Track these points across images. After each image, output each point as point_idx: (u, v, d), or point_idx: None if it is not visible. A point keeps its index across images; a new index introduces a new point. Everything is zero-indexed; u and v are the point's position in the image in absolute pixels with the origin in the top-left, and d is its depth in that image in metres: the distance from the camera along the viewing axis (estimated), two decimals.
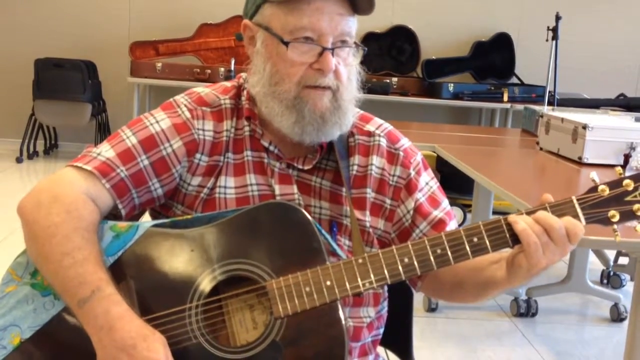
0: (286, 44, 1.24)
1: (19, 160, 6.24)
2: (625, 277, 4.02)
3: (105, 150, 1.27)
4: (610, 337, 3.46)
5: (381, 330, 1.41)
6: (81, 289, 1.14)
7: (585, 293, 3.73)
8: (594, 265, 4.07)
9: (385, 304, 1.41)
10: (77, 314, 1.16)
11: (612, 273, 4.06)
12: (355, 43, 1.29)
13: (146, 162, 1.27)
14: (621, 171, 1.19)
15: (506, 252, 1.20)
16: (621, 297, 3.61)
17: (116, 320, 1.13)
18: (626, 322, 3.47)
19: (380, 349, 1.49)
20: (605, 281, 4.07)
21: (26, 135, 6.31)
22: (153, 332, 1.14)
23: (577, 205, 1.17)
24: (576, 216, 1.16)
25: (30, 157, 6.38)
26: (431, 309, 3.47)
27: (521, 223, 1.14)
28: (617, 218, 1.17)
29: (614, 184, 1.18)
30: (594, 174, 1.20)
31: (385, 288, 1.40)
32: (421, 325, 3.29)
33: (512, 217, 1.16)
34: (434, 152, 3.47)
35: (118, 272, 1.19)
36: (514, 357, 3.12)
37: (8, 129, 6.64)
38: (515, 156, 3.88)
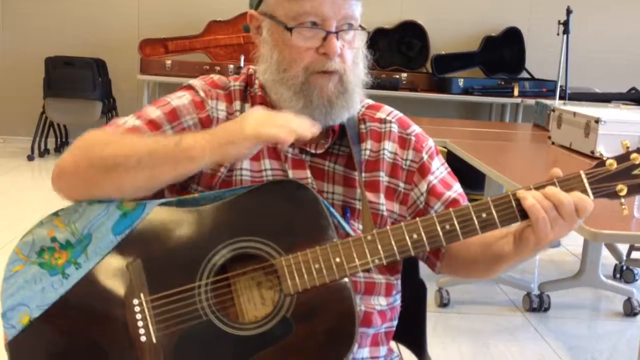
0: (290, 29, 1.26)
1: (30, 158, 6.28)
2: (638, 271, 4.01)
3: (133, 120, 1.30)
4: (624, 332, 3.45)
5: (394, 323, 1.41)
6: (165, 144, 1.18)
7: (598, 288, 3.71)
8: (607, 259, 4.04)
9: (399, 297, 1.41)
10: (180, 154, 1.17)
11: (624, 267, 4.04)
12: (360, 26, 1.30)
13: (170, 132, 1.29)
14: (628, 144, 1.19)
15: (514, 226, 1.21)
16: (634, 291, 3.60)
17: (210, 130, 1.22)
18: (639, 317, 3.47)
19: (393, 344, 1.48)
20: (618, 275, 4.05)
21: (37, 133, 6.35)
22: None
23: (585, 180, 1.17)
24: (584, 191, 1.16)
25: (41, 154, 6.42)
26: (443, 304, 3.47)
27: (530, 199, 1.15)
28: (624, 192, 1.17)
29: (621, 158, 1.18)
30: (601, 148, 1.20)
31: (399, 281, 1.40)
32: (433, 320, 3.28)
33: (520, 193, 1.17)
34: (445, 147, 3.47)
35: (126, 250, 1.19)
36: (526, 352, 3.11)
37: (19, 127, 6.68)
38: (527, 151, 3.87)
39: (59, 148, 6.65)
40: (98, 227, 1.20)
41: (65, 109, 6.25)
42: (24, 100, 6.63)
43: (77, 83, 6.19)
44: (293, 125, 1.16)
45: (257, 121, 1.16)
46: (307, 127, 1.17)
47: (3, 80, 6.71)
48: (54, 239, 1.20)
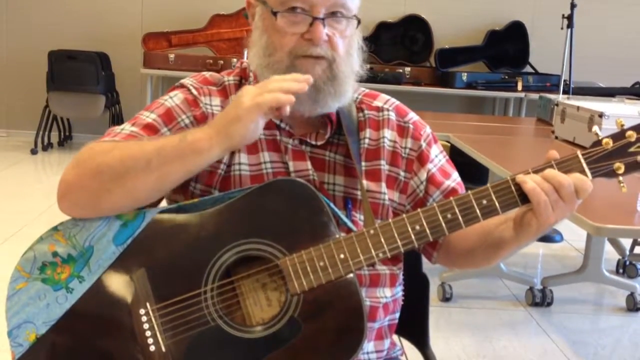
0: (275, 14, 1.26)
1: (33, 151, 6.28)
2: None
3: (129, 127, 1.28)
4: (627, 327, 3.45)
5: (397, 315, 1.41)
6: (170, 141, 1.18)
7: (601, 282, 3.71)
8: (610, 254, 4.04)
9: (401, 288, 1.41)
10: (187, 149, 1.16)
11: (627, 262, 4.04)
12: (355, 16, 1.29)
13: (168, 134, 1.28)
14: (622, 122, 1.18)
15: (512, 212, 1.21)
16: (637, 286, 3.59)
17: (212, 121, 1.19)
18: None
19: (396, 338, 1.49)
20: (621, 270, 4.04)
21: (41, 127, 6.35)
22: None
23: (582, 161, 1.17)
24: (582, 171, 1.16)
25: (44, 148, 6.42)
26: (446, 298, 3.47)
27: (530, 182, 1.15)
28: (622, 170, 1.17)
29: (617, 136, 1.17)
30: (596, 128, 1.20)
31: (401, 271, 1.40)
32: (436, 314, 3.28)
33: (520, 177, 1.16)
34: (449, 142, 3.46)
35: (129, 260, 1.18)
36: (529, 347, 3.11)
37: (23, 121, 6.68)
38: (530, 145, 3.87)
39: (63, 142, 6.65)
40: (99, 239, 1.19)
41: (68, 102, 6.26)
42: (27, 94, 6.64)
43: (81, 77, 6.19)
44: (285, 86, 1.15)
45: (252, 94, 1.16)
46: (300, 81, 1.17)
47: (7, 74, 6.72)
48: (55, 254, 1.19)
